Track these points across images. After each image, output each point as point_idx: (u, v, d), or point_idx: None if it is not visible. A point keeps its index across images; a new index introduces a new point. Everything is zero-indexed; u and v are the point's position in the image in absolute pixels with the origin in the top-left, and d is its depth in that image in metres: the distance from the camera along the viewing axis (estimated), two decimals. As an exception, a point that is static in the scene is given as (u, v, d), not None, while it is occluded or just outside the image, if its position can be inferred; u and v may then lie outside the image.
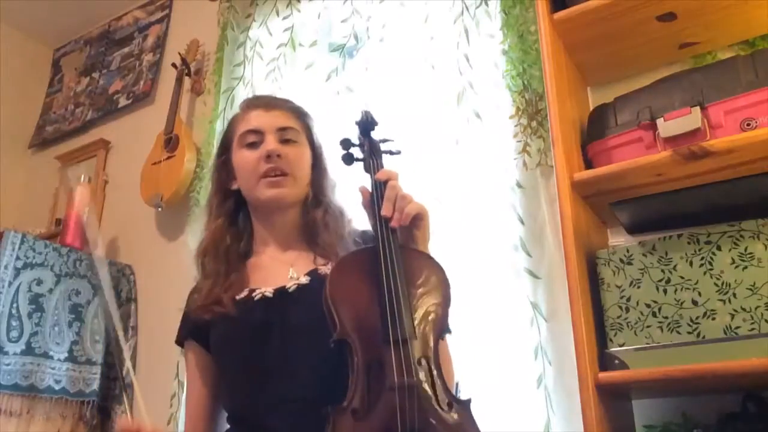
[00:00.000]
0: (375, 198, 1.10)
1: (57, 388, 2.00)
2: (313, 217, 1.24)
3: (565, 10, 1.35)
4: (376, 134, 1.22)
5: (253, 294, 1.15)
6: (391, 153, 1.22)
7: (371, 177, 1.14)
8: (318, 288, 1.04)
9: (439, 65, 1.78)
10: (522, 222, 1.53)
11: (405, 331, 0.95)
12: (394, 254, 1.02)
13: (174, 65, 2.46)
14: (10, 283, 1.97)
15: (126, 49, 2.90)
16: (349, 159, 1.19)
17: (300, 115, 1.30)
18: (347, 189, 1.30)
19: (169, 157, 2.29)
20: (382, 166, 1.16)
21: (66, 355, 2.05)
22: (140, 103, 2.70)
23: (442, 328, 1.03)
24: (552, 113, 1.28)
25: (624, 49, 1.44)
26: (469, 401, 0.99)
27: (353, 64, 2.00)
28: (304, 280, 1.15)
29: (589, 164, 1.34)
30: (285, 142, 1.22)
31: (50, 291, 2.07)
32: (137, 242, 2.43)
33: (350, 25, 2.01)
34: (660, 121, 1.21)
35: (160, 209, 2.29)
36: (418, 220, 1.09)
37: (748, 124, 1.15)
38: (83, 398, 2.06)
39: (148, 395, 2.11)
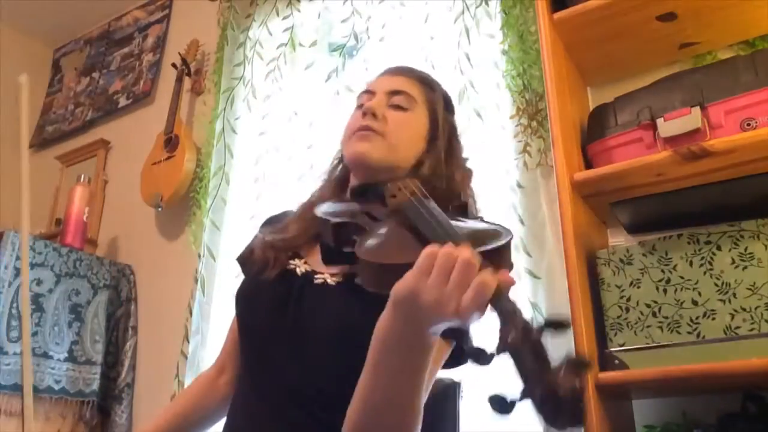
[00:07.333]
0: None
1: (57, 388, 2.00)
2: None
3: (565, 10, 1.36)
4: None
5: (291, 262, 1.05)
6: None
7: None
8: (346, 295, 0.95)
9: (440, 65, 1.78)
10: (522, 222, 1.52)
11: None
12: None
13: (174, 65, 2.46)
14: (10, 283, 1.96)
15: (126, 49, 2.90)
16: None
17: (424, 83, 1.15)
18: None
19: (169, 157, 2.29)
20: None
21: (66, 355, 2.05)
22: (140, 103, 2.70)
23: None
24: (552, 113, 1.28)
25: (624, 49, 1.44)
26: None
27: (353, 64, 2.00)
28: (330, 280, 1.01)
29: (589, 164, 1.34)
30: (394, 107, 1.08)
31: (50, 291, 2.07)
32: (137, 242, 2.43)
33: (350, 25, 2.02)
34: (660, 121, 1.21)
35: (160, 209, 2.29)
36: None
37: (748, 124, 1.15)
38: (83, 398, 2.06)
39: (148, 395, 2.14)
